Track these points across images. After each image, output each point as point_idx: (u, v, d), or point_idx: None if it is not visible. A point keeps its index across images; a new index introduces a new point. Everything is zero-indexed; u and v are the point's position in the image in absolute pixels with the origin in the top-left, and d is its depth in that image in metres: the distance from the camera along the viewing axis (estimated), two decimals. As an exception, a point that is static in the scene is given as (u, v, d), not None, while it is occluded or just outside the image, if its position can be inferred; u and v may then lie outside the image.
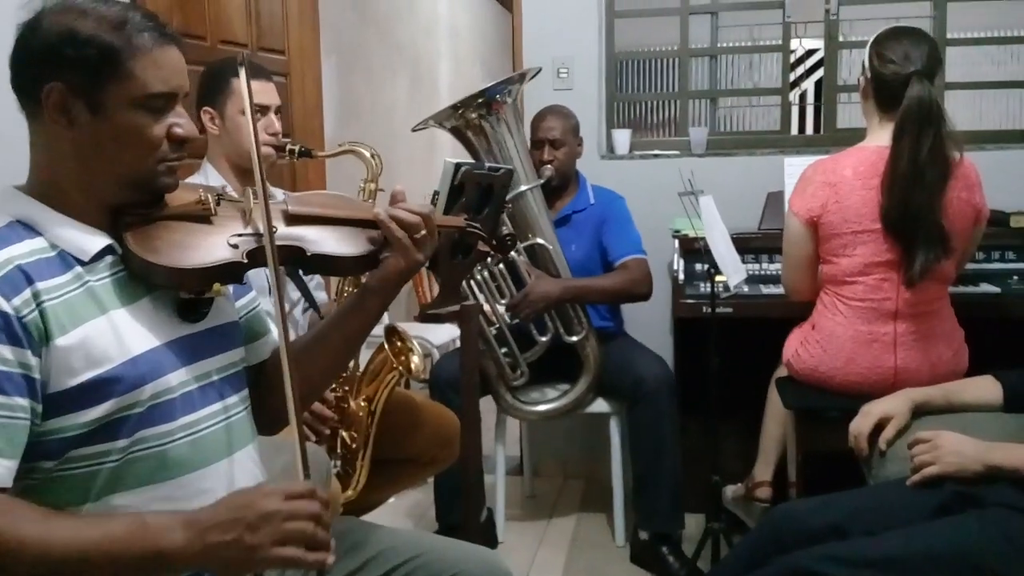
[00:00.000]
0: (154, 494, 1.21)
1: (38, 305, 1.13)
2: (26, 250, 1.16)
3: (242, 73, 1.34)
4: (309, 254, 1.34)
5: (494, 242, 1.52)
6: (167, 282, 1.25)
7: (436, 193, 1.52)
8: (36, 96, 1.18)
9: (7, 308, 1.11)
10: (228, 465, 1.30)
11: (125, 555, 1.09)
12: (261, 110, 2.28)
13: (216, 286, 1.29)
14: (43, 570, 1.08)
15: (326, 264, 1.38)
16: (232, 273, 1.30)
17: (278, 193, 2.39)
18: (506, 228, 1.55)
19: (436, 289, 2.33)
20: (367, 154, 2.40)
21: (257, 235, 1.31)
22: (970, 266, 2.79)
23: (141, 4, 2.69)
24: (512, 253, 2.81)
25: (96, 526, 1.12)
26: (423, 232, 1.36)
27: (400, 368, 2.38)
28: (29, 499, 1.13)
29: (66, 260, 1.19)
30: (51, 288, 1.15)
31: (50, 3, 1.21)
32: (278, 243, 1.30)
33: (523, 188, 2.81)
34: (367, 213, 1.40)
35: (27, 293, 1.13)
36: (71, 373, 1.14)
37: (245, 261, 1.29)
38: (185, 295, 1.29)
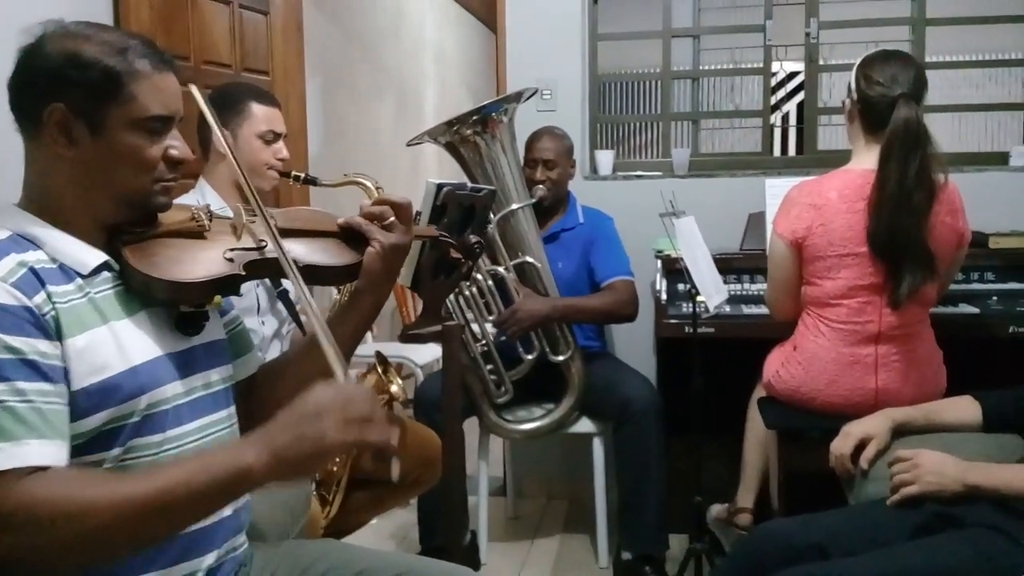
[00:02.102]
0: None
1: (53, 305, 1.17)
2: (33, 258, 1.19)
3: (195, 91, 1.36)
4: (300, 265, 1.37)
5: (461, 247, 1.55)
6: (168, 296, 1.28)
7: (418, 213, 1.53)
8: (36, 116, 1.21)
9: (31, 304, 1.14)
10: None
11: (204, 485, 1.10)
12: (275, 136, 2.35)
13: (217, 298, 1.33)
14: (128, 523, 1.09)
15: (315, 274, 1.41)
16: (231, 285, 1.34)
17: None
18: (473, 237, 1.58)
19: (420, 309, 2.34)
20: (371, 185, 2.48)
21: (251, 249, 1.35)
22: (950, 287, 2.81)
23: (126, 25, 2.70)
24: (501, 270, 2.82)
25: (164, 470, 1.14)
26: (390, 218, 1.40)
27: (387, 393, 2.41)
28: None
29: (67, 272, 1.22)
30: (60, 293, 1.19)
31: (51, 28, 1.24)
32: (270, 255, 1.35)
33: (514, 207, 2.82)
34: (345, 222, 1.45)
35: (43, 294, 1.17)
36: (76, 377, 1.16)
37: (243, 273, 1.33)
38: (185, 308, 1.32)
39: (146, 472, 1.16)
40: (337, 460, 2.39)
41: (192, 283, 1.27)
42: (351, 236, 1.44)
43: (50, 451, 1.11)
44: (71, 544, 1.08)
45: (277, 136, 2.36)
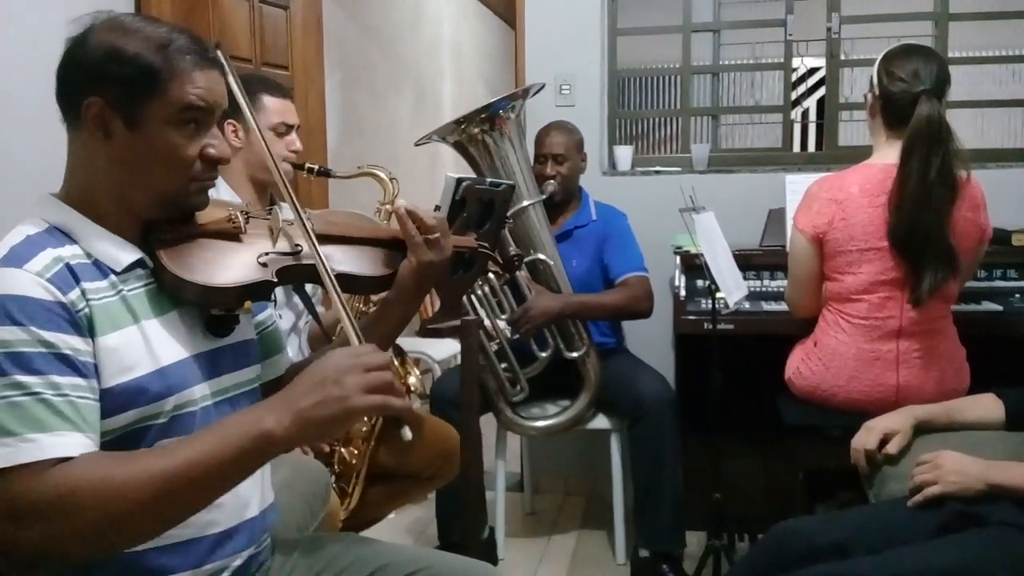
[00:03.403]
0: None
1: (87, 302, 1.17)
2: (68, 253, 1.19)
3: (221, 56, 1.33)
4: (335, 272, 1.35)
5: (502, 261, 1.54)
6: (198, 299, 1.28)
7: (438, 207, 1.53)
8: (77, 108, 1.21)
9: (65, 300, 1.14)
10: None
11: (228, 453, 1.10)
12: (287, 128, 2.33)
13: (247, 304, 1.33)
14: (159, 500, 1.08)
15: (348, 282, 1.40)
16: (262, 291, 1.33)
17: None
18: (513, 248, 1.58)
19: (437, 304, 2.34)
20: (385, 177, 2.45)
21: (285, 254, 1.34)
22: (972, 284, 2.79)
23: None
24: (513, 267, 2.81)
25: (187, 442, 1.14)
26: (436, 234, 1.40)
27: (405, 385, 2.40)
28: None
29: (101, 268, 1.22)
30: (93, 290, 1.19)
31: (100, 20, 1.25)
32: (305, 261, 1.34)
33: (525, 203, 2.81)
34: (386, 232, 1.44)
35: (77, 290, 1.17)
36: (106, 375, 1.17)
37: (275, 280, 1.31)
38: (216, 312, 1.32)
39: (169, 448, 1.15)
40: (355, 451, 2.39)
41: (223, 288, 1.27)
42: (388, 244, 1.43)
43: (84, 443, 1.11)
44: (104, 528, 1.07)
45: (289, 128, 2.34)
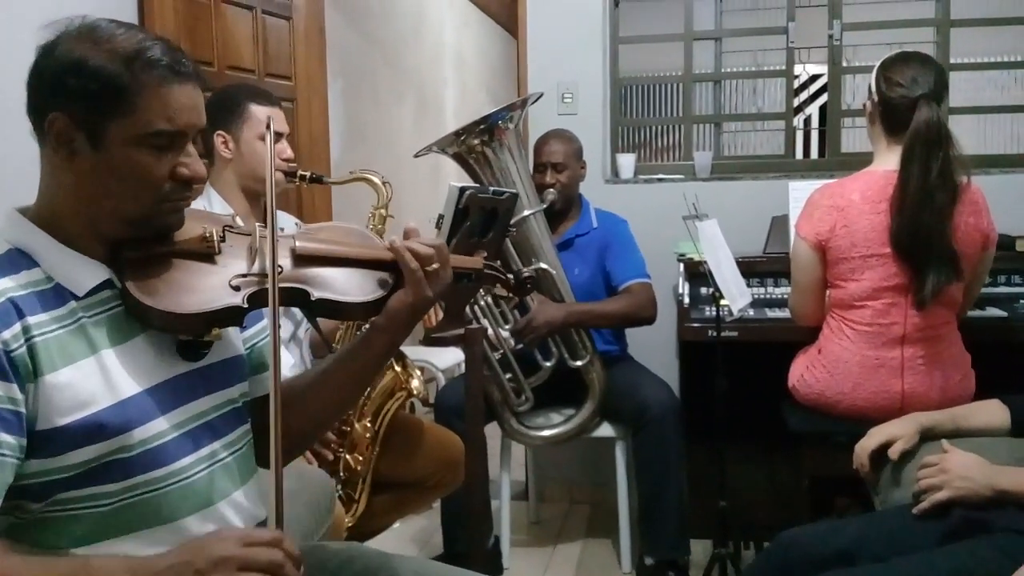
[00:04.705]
0: (150, 538, 1.17)
1: (27, 340, 1.10)
2: (21, 282, 1.13)
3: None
4: (314, 298, 1.27)
5: (514, 284, 1.50)
6: (163, 325, 1.20)
7: (441, 217, 1.52)
8: (42, 123, 1.15)
9: None
10: (227, 506, 1.26)
11: None
12: (276, 137, 2.30)
13: (215, 331, 1.26)
14: None
15: (331, 309, 1.31)
16: (231, 317, 1.24)
17: (289, 221, 2.40)
18: (526, 271, 1.53)
19: (441, 313, 2.34)
20: (378, 181, 2.44)
21: (261, 276, 1.24)
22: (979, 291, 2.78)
23: (150, 31, 2.72)
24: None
25: (41, 565, 1.08)
26: (436, 265, 1.30)
27: (406, 389, 2.39)
28: (16, 538, 1.11)
29: (61, 294, 1.15)
30: (43, 323, 1.12)
31: (72, 26, 1.16)
32: (283, 285, 1.23)
33: (526, 213, 2.80)
34: (379, 252, 1.33)
35: (17, 327, 1.10)
36: (58, 412, 1.11)
37: (245, 306, 1.22)
38: (184, 338, 1.25)
39: (25, 561, 1.09)
40: (360, 457, 2.39)
41: (187, 315, 1.19)
42: (381, 266, 1.32)
43: None
44: None
45: (279, 136, 2.32)
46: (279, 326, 1.24)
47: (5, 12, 2.26)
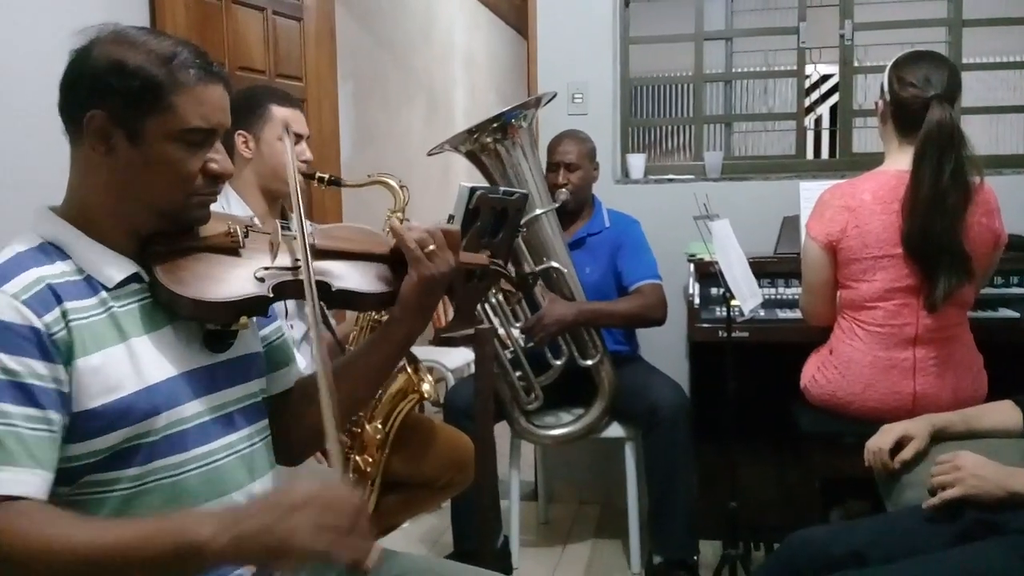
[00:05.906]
0: None
1: (67, 323, 1.15)
2: (56, 271, 1.19)
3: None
4: (334, 289, 1.35)
5: (516, 280, 1.52)
6: (193, 313, 1.26)
7: (451, 217, 1.52)
8: (79, 121, 1.21)
9: (38, 324, 1.13)
10: (242, 496, 1.28)
11: (155, 549, 1.06)
12: (297, 138, 2.31)
13: (243, 319, 1.31)
14: (72, 568, 1.06)
15: (349, 299, 1.39)
16: (258, 307, 1.32)
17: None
18: (528, 266, 1.55)
19: (451, 313, 2.34)
20: (395, 184, 2.44)
21: (284, 268, 1.32)
22: (989, 291, 2.77)
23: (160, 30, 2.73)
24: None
25: (126, 524, 1.12)
26: (431, 247, 1.34)
27: (418, 392, 2.39)
28: None
29: (92, 285, 1.21)
30: (78, 309, 1.17)
31: (104, 32, 1.24)
32: (303, 276, 1.31)
33: (538, 212, 2.81)
34: (391, 247, 1.40)
35: (57, 311, 1.15)
36: (89, 396, 1.15)
37: (271, 295, 1.30)
38: (212, 327, 1.30)
39: (106, 524, 1.13)
40: (369, 459, 2.39)
41: (217, 303, 1.25)
42: (392, 260, 1.40)
43: (24, 479, 1.09)
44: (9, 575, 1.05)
45: (300, 138, 2.33)
46: (316, 308, 1.30)
47: (30, 19, 2.28)
